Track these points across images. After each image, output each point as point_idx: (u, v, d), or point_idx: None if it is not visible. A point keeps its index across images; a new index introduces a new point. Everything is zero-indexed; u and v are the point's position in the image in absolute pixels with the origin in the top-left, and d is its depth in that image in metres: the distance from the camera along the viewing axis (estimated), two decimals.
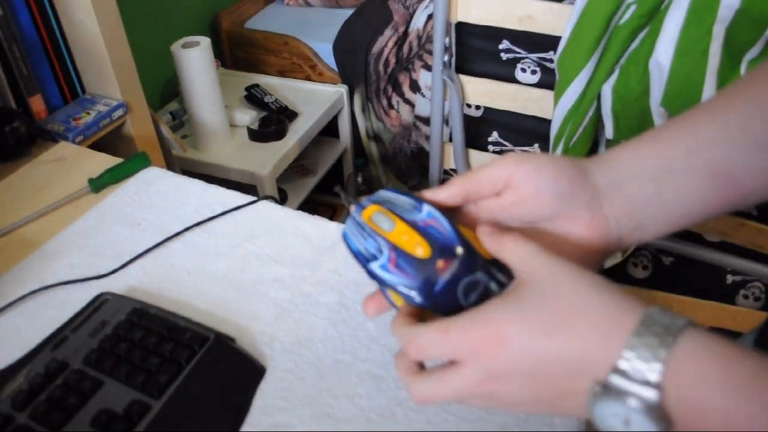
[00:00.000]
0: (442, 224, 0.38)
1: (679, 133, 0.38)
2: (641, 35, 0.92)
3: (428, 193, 0.40)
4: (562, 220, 0.39)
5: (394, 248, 0.38)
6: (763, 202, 0.38)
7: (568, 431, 0.50)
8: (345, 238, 0.41)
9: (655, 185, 0.38)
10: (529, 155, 0.38)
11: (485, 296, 0.37)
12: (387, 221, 0.39)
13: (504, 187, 0.39)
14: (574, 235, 0.39)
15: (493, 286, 0.37)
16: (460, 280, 0.37)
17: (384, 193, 0.41)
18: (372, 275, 0.39)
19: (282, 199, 1.59)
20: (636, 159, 0.38)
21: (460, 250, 0.37)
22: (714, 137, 0.37)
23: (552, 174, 0.38)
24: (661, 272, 1.25)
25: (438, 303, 0.37)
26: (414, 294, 0.37)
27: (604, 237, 0.38)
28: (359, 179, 1.71)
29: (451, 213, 0.41)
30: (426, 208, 0.39)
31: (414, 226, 0.38)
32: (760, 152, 0.36)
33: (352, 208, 0.41)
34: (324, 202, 1.91)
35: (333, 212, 1.88)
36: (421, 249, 0.37)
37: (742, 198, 0.38)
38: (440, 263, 0.37)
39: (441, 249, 0.37)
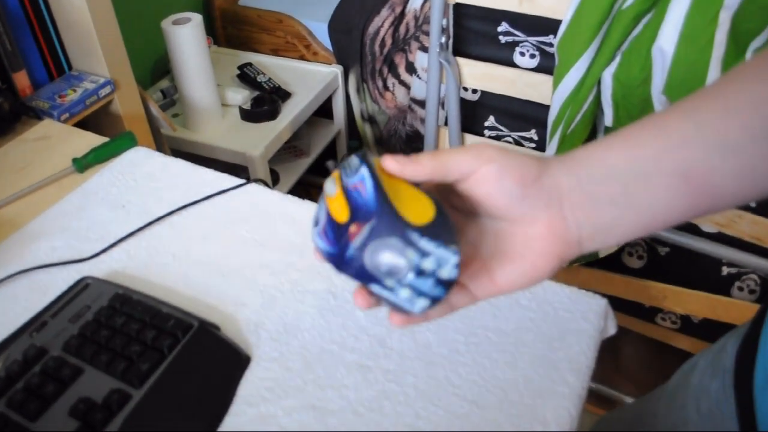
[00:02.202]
0: (366, 186, 0.35)
1: (652, 132, 0.37)
2: (645, 20, 0.90)
3: (392, 163, 0.37)
4: (520, 221, 0.38)
5: (327, 214, 0.36)
6: (732, 207, 0.37)
7: (561, 431, 0.49)
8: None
9: (622, 186, 0.36)
10: (496, 153, 0.37)
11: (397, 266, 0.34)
12: (333, 186, 0.37)
13: (466, 178, 0.37)
14: (530, 236, 0.37)
15: (411, 254, 0.33)
16: (367, 244, 0.34)
17: (354, 157, 0.38)
18: (313, 242, 0.37)
19: (274, 181, 1.56)
20: (605, 158, 0.37)
21: (375, 212, 0.34)
22: (687, 139, 0.36)
23: (512, 178, 0.36)
24: (656, 262, 1.24)
25: (350, 270, 0.35)
26: (331, 262, 0.35)
27: (562, 239, 0.37)
28: None
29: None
30: (362, 169, 0.36)
31: (344, 189, 0.36)
32: (733, 156, 0.35)
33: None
34: (317, 184, 1.89)
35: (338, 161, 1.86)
36: (342, 213, 0.35)
37: (712, 203, 0.37)
38: (353, 227, 0.34)
39: (356, 212, 0.35)
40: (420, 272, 0.34)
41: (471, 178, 0.37)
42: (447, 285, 0.34)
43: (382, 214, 0.34)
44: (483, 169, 0.36)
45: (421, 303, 0.34)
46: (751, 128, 0.35)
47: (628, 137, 0.37)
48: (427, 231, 0.34)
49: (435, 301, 0.35)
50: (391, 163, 0.37)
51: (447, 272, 0.34)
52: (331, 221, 0.36)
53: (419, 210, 0.35)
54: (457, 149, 0.37)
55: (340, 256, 0.35)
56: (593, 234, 0.37)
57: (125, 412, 0.48)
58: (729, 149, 0.35)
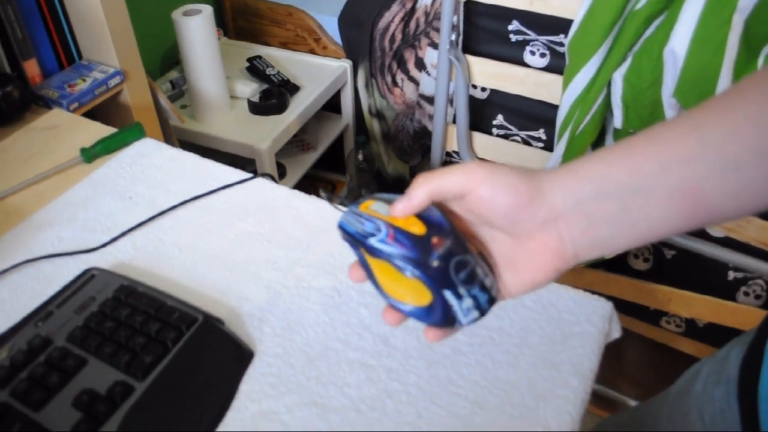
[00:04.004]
0: (434, 212, 0.41)
1: (654, 148, 0.37)
2: (657, 22, 0.89)
3: (400, 206, 0.40)
4: (517, 237, 0.39)
5: (392, 226, 0.40)
6: (730, 221, 0.37)
7: (562, 431, 0.49)
8: (341, 226, 0.43)
9: (620, 204, 0.37)
10: (487, 173, 0.38)
11: (473, 277, 0.39)
12: (384, 208, 0.42)
13: (463, 198, 0.39)
14: (528, 251, 0.39)
15: (479, 271, 0.40)
16: (452, 257, 0.39)
17: (379, 194, 0.44)
18: (370, 249, 0.41)
19: (281, 174, 1.56)
20: (605, 174, 0.37)
21: (450, 232, 0.40)
22: (689, 156, 0.35)
23: (505, 199, 0.38)
24: (663, 265, 1.23)
25: (431, 274, 0.39)
26: (410, 264, 0.39)
27: (558, 255, 0.39)
28: (360, 156, 1.68)
29: None
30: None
31: None
32: (733, 174, 0.35)
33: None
34: (324, 178, 1.89)
35: (332, 189, 1.86)
36: (416, 227, 0.40)
37: (708, 218, 0.37)
38: (435, 239, 0.39)
39: (435, 228, 0.40)
40: (483, 287, 0.39)
41: (467, 198, 0.39)
42: (492, 303, 0.40)
43: (456, 235, 0.40)
44: (475, 191, 0.38)
45: (473, 315, 0.39)
46: (755, 147, 0.34)
47: (631, 150, 0.37)
48: (484, 258, 0.41)
49: (482, 315, 0.40)
50: (400, 209, 0.40)
51: (494, 292, 0.40)
52: (403, 232, 0.40)
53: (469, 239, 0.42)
54: (448, 170, 0.39)
55: (424, 259, 0.39)
56: (589, 249, 0.38)
57: (128, 405, 0.48)
58: (732, 167, 0.35)
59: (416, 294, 0.39)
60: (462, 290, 0.39)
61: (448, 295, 0.39)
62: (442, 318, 0.39)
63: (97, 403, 0.48)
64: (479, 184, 0.38)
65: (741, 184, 0.35)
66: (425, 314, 0.40)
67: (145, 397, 0.49)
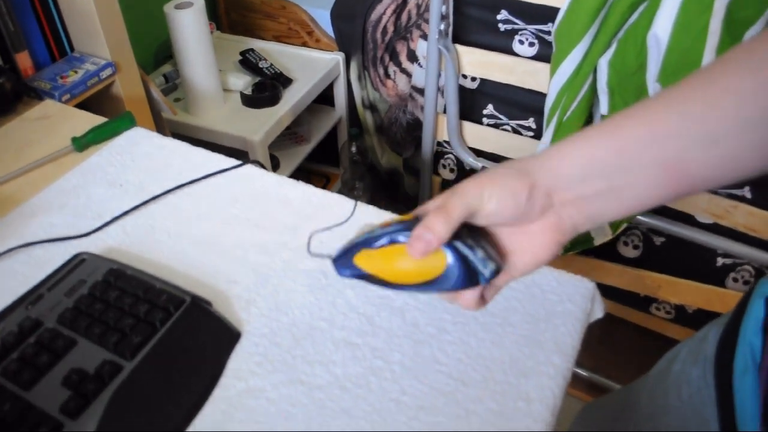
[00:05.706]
0: None
1: (636, 125, 0.38)
2: (641, 8, 0.90)
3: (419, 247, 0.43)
4: (522, 226, 0.42)
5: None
6: (716, 189, 0.39)
7: (545, 430, 0.49)
8: (340, 274, 0.49)
9: (606, 181, 0.39)
10: (489, 189, 0.40)
11: (475, 233, 0.43)
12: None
13: (473, 216, 0.42)
14: (532, 233, 0.42)
15: (476, 237, 0.43)
16: None
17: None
18: (371, 242, 0.45)
19: (274, 167, 1.57)
20: (590, 156, 0.39)
21: None
22: (670, 131, 0.37)
23: (511, 207, 0.40)
24: (652, 252, 1.24)
25: None
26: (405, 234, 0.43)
27: (559, 230, 0.42)
28: (353, 149, 1.69)
29: None
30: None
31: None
32: (715, 147, 0.36)
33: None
34: (317, 171, 1.89)
35: (326, 181, 1.87)
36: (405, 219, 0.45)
37: (693, 188, 0.39)
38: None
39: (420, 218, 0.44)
40: (487, 244, 0.43)
41: (477, 215, 0.41)
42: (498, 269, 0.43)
43: None
44: (484, 209, 0.41)
45: (491, 266, 0.42)
46: (734, 120, 0.35)
47: (614, 129, 0.39)
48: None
49: (498, 268, 0.43)
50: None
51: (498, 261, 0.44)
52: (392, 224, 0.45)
53: None
54: (454, 203, 0.41)
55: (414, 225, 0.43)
56: (585, 221, 0.41)
57: (116, 383, 0.49)
58: (711, 140, 0.36)
59: (431, 261, 0.42)
60: (470, 241, 0.42)
61: (460, 245, 0.41)
62: (464, 274, 0.42)
63: (86, 382, 0.49)
64: (486, 203, 0.40)
65: (723, 155, 0.36)
66: (448, 277, 0.42)
67: (133, 376, 0.50)
